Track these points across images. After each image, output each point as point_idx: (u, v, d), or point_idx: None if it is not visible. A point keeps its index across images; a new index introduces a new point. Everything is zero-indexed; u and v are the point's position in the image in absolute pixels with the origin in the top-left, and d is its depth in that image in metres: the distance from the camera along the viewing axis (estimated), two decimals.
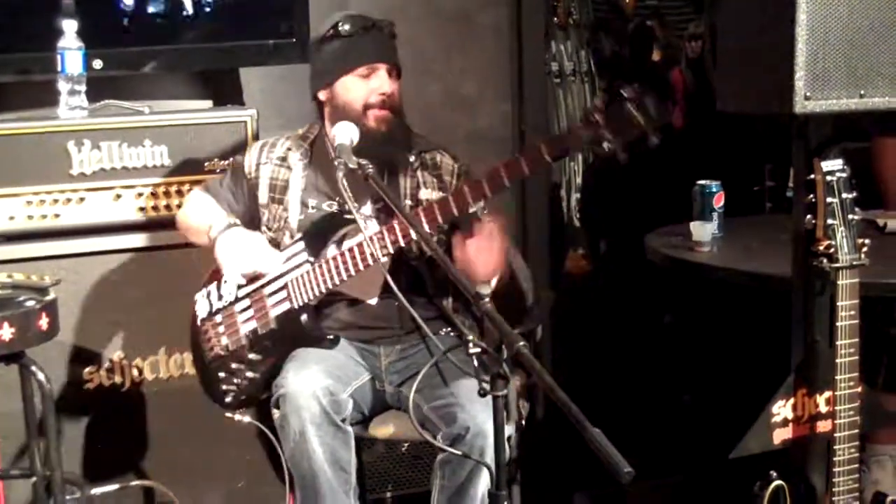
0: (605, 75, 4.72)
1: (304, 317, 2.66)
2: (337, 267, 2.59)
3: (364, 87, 2.70)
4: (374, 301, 2.75)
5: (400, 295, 2.27)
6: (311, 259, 2.65)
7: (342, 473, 2.57)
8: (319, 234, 2.69)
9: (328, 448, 2.53)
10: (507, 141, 4.04)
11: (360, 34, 2.69)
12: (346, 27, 2.69)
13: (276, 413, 2.62)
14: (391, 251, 2.52)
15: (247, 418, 2.77)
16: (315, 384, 2.52)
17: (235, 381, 2.73)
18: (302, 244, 2.68)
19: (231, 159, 3.00)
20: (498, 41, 3.98)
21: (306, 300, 2.65)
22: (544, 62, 4.16)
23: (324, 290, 2.63)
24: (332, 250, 2.65)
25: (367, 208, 2.72)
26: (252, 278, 2.70)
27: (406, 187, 2.77)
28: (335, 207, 2.74)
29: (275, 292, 2.69)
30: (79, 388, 3.04)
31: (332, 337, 2.69)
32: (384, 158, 2.67)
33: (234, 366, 2.73)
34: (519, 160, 2.38)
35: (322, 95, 2.77)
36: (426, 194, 2.75)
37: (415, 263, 2.70)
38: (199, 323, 2.81)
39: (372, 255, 2.52)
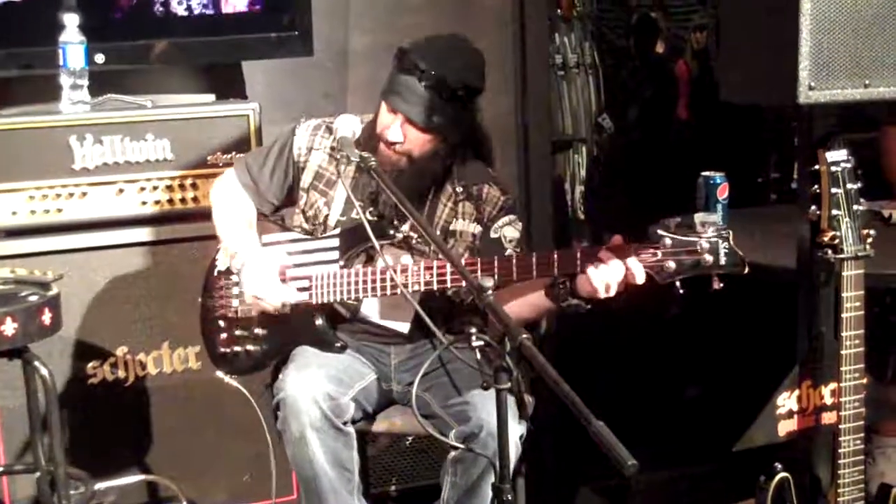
0: (609, 67, 4.72)
1: (319, 320, 2.63)
2: (365, 283, 2.52)
3: (384, 119, 2.60)
4: (406, 329, 2.72)
5: (432, 325, 2.20)
6: (342, 262, 2.60)
7: (345, 473, 2.56)
8: (356, 238, 2.61)
9: (329, 450, 2.51)
10: (511, 134, 4.02)
11: (405, 73, 2.55)
12: (406, 61, 2.56)
13: (277, 418, 2.58)
14: (421, 290, 2.47)
15: (234, 382, 2.73)
16: (315, 388, 2.50)
17: (236, 348, 2.70)
18: (337, 241, 2.63)
19: (280, 135, 2.85)
20: (501, 32, 3.96)
21: (326, 301, 2.60)
22: (548, 54, 4.15)
23: (345, 299, 2.58)
24: (361, 263, 2.61)
25: (406, 227, 2.65)
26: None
27: (440, 217, 2.69)
28: (376, 216, 2.64)
29: (297, 278, 2.62)
30: (82, 383, 3.04)
31: (340, 344, 2.66)
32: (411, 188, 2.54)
33: (237, 332, 2.70)
34: (574, 254, 2.28)
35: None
36: (461, 226, 2.69)
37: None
38: (215, 274, 2.76)
39: (404, 284, 2.45)
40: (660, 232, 2.15)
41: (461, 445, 2.44)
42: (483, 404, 2.45)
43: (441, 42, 2.63)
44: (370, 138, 2.62)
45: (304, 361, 2.60)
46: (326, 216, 2.71)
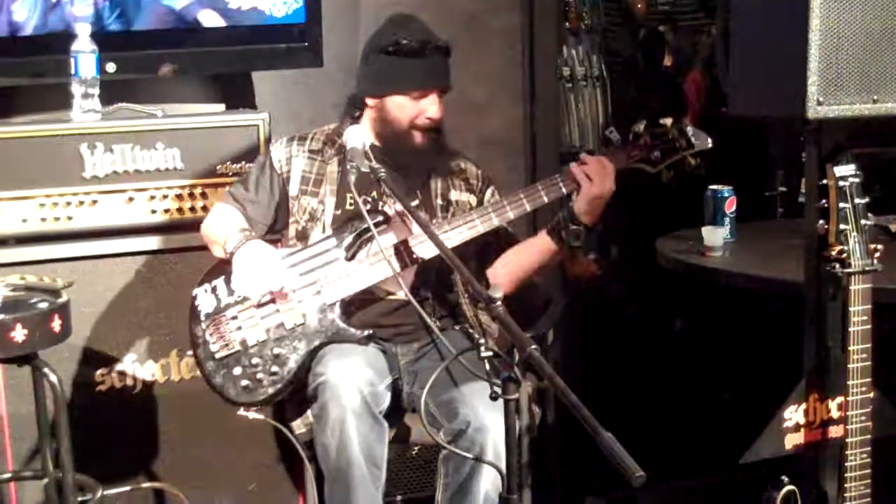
0: (617, 80, 4.71)
1: (337, 312, 2.67)
2: (373, 265, 2.65)
3: (414, 107, 2.73)
4: (401, 294, 2.75)
5: (413, 300, 2.35)
6: (347, 255, 2.69)
7: (375, 469, 2.57)
8: (351, 231, 2.71)
9: (365, 441, 2.52)
10: (518, 146, 4.04)
11: (420, 55, 2.71)
12: (408, 46, 2.70)
13: (313, 405, 2.60)
14: (409, 264, 2.64)
15: (260, 416, 2.73)
16: (357, 374, 2.52)
17: (258, 377, 2.67)
18: (334, 240, 2.70)
19: (258, 158, 3.00)
20: (510, 46, 3.98)
21: (339, 297, 2.66)
22: (556, 67, 4.16)
23: (357, 289, 2.67)
24: (363, 251, 2.70)
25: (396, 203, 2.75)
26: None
27: (437, 188, 2.84)
28: (368, 206, 2.73)
29: (305, 287, 2.69)
30: (91, 390, 3.05)
31: (365, 334, 2.68)
32: (418, 168, 2.80)
33: (254, 361, 2.68)
34: (556, 180, 2.69)
35: (371, 102, 2.79)
36: (456, 196, 2.85)
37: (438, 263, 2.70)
38: (202, 318, 2.76)
39: (411, 257, 2.64)
40: (637, 132, 2.74)
41: (455, 450, 2.45)
42: (472, 399, 2.47)
43: (400, 20, 2.81)
44: (384, 139, 2.75)
45: (341, 350, 2.62)
46: (322, 211, 2.78)
